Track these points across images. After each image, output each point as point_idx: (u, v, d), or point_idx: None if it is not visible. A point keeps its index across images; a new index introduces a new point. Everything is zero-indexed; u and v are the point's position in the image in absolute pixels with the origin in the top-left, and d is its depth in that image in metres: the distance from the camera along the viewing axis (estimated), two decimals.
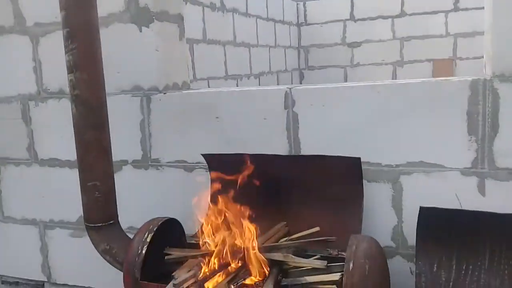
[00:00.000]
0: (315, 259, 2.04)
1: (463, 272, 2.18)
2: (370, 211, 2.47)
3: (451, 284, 2.17)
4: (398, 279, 2.41)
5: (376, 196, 2.48)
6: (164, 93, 2.81)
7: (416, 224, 2.18)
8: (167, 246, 2.24)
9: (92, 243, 2.33)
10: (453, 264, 2.20)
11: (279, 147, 2.60)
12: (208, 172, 2.70)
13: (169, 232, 2.28)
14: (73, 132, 2.26)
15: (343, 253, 2.22)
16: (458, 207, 2.26)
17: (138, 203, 2.95)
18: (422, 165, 2.37)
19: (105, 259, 2.29)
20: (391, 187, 2.46)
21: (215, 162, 2.60)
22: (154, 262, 2.17)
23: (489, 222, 2.10)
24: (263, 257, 2.03)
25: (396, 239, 2.48)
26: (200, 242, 2.42)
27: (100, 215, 2.25)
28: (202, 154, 2.56)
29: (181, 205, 2.83)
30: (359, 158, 2.25)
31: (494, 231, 2.11)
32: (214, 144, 2.74)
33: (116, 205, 2.35)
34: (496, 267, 2.12)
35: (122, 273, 2.21)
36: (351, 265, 1.81)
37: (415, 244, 2.22)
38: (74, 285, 3.36)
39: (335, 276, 1.87)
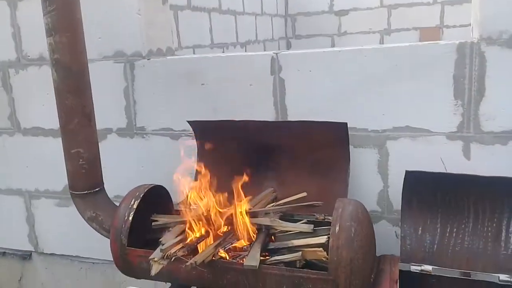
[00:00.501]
0: (302, 223, 2.05)
1: (447, 234, 2.21)
2: (356, 177, 2.48)
3: (435, 246, 2.20)
4: (384, 243, 2.44)
5: (362, 161, 2.49)
6: (148, 59, 2.75)
7: (401, 189, 2.20)
8: (154, 213, 2.23)
9: (78, 211, 2.31)
10: (438, 227, 2.23)
11: (266, 113, 2.58)
12: (195, 140, 2.67)
13: (156, 199, 2.26)
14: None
15: (329, 217, 2.24)
16: (444, 172, 2.28)
17: (124, 172, 2.92)
18: (408, 130, 2.37)
19: (92, 226, 2.28)
20: (377, 152, 2.46)
21: (201, 129, 2.57)
22: (141, 228, 2.17)
23: (473, 185, 2.12)
24: (250, 222, 2.04)
25: (382, 203, 2.51)
26: (188, 209, 2.42)
27: (85, 182, 2.23)
28: (188, 121, 2.53)
29: (167, 173, 2.81)
30: (346, 123, 2.24)
31: (479, 193, 2.14)
32: (200, 111, 2.71)
33: (101, 173, 2.33)
34: (480, 229, 2.16)
35: (109, 240, 2.20)
36: (337, 227, 1.82)
37: (400, 209, 2.24)
38: (62, 255, 3.36)
39: (322, 239, 1.88)
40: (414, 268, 2.12)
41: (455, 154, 2.32)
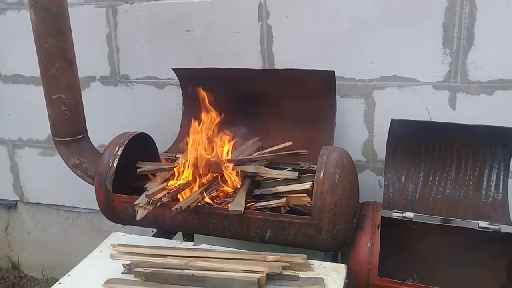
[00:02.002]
0: (287, 171, 2.05)
1: (429, 183, 2.24)
2: (342, 127, 2.48)
3: (417, 195, 2.24)
4: (367, 191, 2.48)
5: (348, 111, 2.49)
6: (131, 4, 2.66)
7: (386, 138, 2.21)
8: (139, 161, 2.21)
9: (62, 158, 2.29)
10: (421, 176, 2.26)
11: (253, 61, 2.54)
12: (180, 89, 2.64)
13: (141, 147, 2.24)
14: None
15: (314, 165, 2.25)
16: (428, 120, 2.29)
17: (108, 121, 2.89)
18: (396, 79, 2.36)
19: (76, 174, 2.26)
20: (363, 102, 2.46)
21: (187, 77, 2.53)
22: (126, 176, 2.16)
23: (457, 134, 2.13)
24: (236, 169, 2.04)
25: (366, 153, 2.53)
26: (173, 156, 2.41)
27: (68, 129, 2.19)
28: (173, 69, 2.48)
29: (153, 122, 2.79)
30: (333, 72, 2.21)
31: (462, 142, 2.15)
32: (185, 60, 2.65)
33: (85, 119, 2.29)
34: (462, 178, 2.19)
35: (94, 188, 2.19)
36: (321, 173, 1.83)
37: (384, 158, 2.26)
38: (48, 204, 3.36)
39: (306, 185, 1.89)
40: (396, 215, 2.16)
41: (441, 104, 2.32)
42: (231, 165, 2.03)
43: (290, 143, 2.29)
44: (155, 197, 1.93)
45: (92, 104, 2.67)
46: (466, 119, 2.17)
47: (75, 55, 2.18)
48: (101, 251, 1.94)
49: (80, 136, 2.23)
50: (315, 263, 1.77)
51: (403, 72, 2.33)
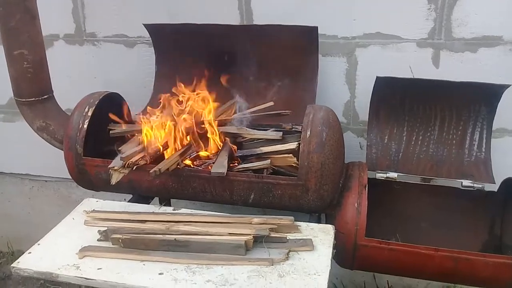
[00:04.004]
0: (270, 131, 1.96)
1: (413, 143, 2.21)
2: (323, 87, 2.39)
3: (400, 154, 2.20)
4: (349, 153, 2.40)
5: (330, 71, 2.40)
6: None
7: (368, 99, 2.15)
8: (111, 123, 2.07)
9: (26, 120, 2.11)
10: (404, 135, 2.22)
11: (229, 17, 2.40)
12: (152, 47, 2.48)
13: (112, 108, 2.09)
14: None
15: (297, 126, 2.17)
16: (414, 77, 2.23)
17: (74, 84, 2.70)
18: (379, 37, 2.28)
19: (42, 137, 2.10)
20: (345, 61, 2.38)
21: (160, 34, 2.36)
22: (97, 139, 2.02)
23: (441, 92, 2.09)
24: (216, 130, 1.93)
25: (348, 114, 2.46)
26: (149, 118, 2.28)
27: (31, 88, 2.01)
28: (144, 25, 2.31)
29: (123, 84, 2.63)
30: (316, 27, 2.10)
31: (446, 100, 2.12)
32: (156, 15, 2.48)
33: (50, 78, 2.11)
34: (445, 137, 2.16)
35: (61, 154, 2.04)
36: (308, 132, 1.75)
37: (367, 119, 2.20)
38: (11, 173, 3.17)
39: (292, 145, 1.81)
40: (380, 175, 2.12)
41: (424, 62, 2.27)
42: (211, 125, 1.92)
43: (271, 103, 2.19)
44: (131, 160, 1.81)
45: (56, 65, 2.45)
46: (449, 77, 2.12)
47: (36, 5, 1.98)
48: (73, 218, 1.82)
49: (45, 97, 2.06)
50: (302, 224, 1.72)
51: (386, 29, 2.25)
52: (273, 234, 1.60)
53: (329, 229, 1.69)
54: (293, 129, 2.16)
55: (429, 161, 2.16)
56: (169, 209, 1.83)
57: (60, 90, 2.28)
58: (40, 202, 3.20)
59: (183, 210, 1.81)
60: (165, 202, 2.16)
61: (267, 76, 2.33)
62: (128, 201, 1.99)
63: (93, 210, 1.80)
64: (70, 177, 2.05)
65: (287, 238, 1.60)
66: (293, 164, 1.78)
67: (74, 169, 1.97)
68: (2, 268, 3.27)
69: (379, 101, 2.16)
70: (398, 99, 2.17)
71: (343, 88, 2.42)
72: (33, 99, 2.02)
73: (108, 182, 1.92)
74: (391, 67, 2.29)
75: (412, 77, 2.26)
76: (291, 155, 1.80)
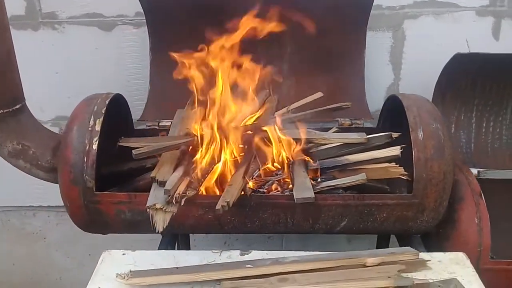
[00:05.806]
0: (352, 134, 1.49)
1: (483, 130, 1.88)
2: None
3: (472, 145, 1.86)
4: None
5: (371, 49, 1.96)
6: None
7: (414, 82, 1.84)
8: (122, 136, 1.47)
9: None
10: (473, 122, 1.87)
11: None
12: (138, 29, 1.88)
13: (119, 116, 1.49)
14: None
15: (357, 121, 1.74)
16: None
17: (30, 83, 1.97)
18: (432, 4, 1.90)
19: (17, 166, 1.42)
20: (391, 36, 1.98)
21: (158, 10, 1.77)
22: (105, 160, 1.41)
23: None
24: (280, 135, 1.42)
25: None
26: (157, 126, 1.70)
27: None
28: None
29: (99, 81, 1.99)
30: None
31: None
32: None
33: (21, 81, 1.45)
34: None
35: (55, 185, 1.41)
36: (420, 133, 1.31)
37: None
38: None
39: (394, 151, 1.36)
40: None
41: (483, 34, 1.93)
42: (275, 131, 1.41)
43: (320, 94, 1.71)
44: (179, 193, 1.25)
45: None
46: (509, 51, 1.80)
47: None
48: None
49: (17, 107, 1.40)
50: (424, 255, 1.29)
51: None
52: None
53: (463, 259, 1.28)
54: (353, 126, 1.72)
55: (506, 151, 1.84)
56: (234, 255, 1.30)
57: None
58: None
59: (254, 253, 1.29)
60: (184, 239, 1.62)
61: (304, 58, 1.84)
62: (160, 247, 1.42)
63: (130, 272, 1.21)
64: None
65: (429, 282, 1.17)
66: (401, 177, 1.33)
67: (82, 210, 1.34)
68: None
69: (448, 82, 1.78)
70: (471, 78, 1.80)
71: (386, 69, 2.02)
72: (1, 111, 1.35)
73: (131, 224, 1.34)
74: (444, 43, 1.92)
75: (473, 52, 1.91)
76: (393, 163, 1.36)
